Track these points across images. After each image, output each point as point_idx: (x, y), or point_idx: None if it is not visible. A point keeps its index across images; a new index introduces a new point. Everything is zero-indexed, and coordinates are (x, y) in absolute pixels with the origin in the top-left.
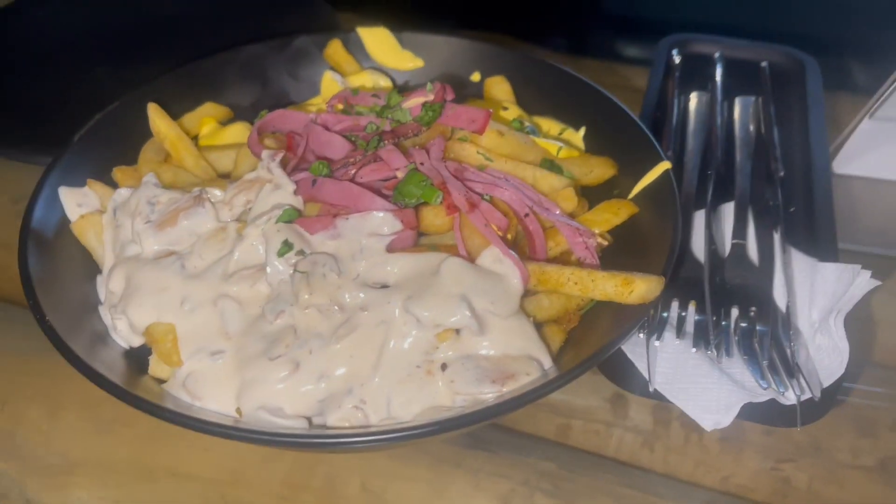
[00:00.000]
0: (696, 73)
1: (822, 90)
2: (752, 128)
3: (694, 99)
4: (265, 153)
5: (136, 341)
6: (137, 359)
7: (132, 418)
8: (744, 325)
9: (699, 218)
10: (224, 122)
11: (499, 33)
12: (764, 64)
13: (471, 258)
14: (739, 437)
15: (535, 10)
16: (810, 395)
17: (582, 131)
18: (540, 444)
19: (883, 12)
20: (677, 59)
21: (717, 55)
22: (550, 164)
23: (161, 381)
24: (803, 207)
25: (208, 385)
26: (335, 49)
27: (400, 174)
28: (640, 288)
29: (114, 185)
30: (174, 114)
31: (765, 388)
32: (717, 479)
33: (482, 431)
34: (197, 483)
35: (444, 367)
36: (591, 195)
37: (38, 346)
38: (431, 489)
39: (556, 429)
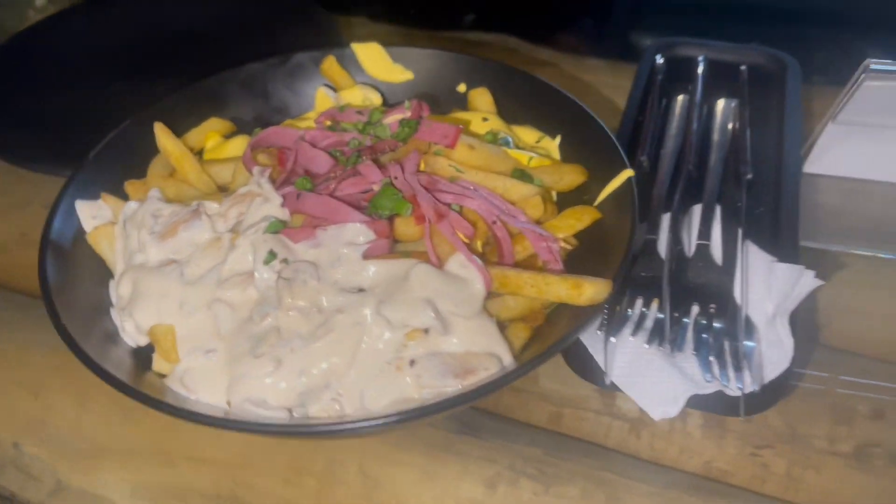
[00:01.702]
0: (680, 76)
1: (800, 92)
2: (728, 130)
3: (676, 101)
4: (256, 169)
5: (143, 340)
6: (144, 356)
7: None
8: (703, 321)
9: (668, 220)
10: (228, 136)
11: (506, 34)
12: (743, 67)
13: (440, 264)
14: (721, 425)
15: (539, 11)
16: (753, 388)
17: (558, 139)
18: (528, 430)
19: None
20: (661, 63)
21: (700, 58)
22: (521, 174)
23: (163, 376)
24: (771, 206)
25: (202, 380)
26: (330, 65)
27: (376, 187)
28: (588, 291)
29: (126, 198)
30: (181, 129)
31: (709, 381)
32: (699, 464)
33: (473, 418)
34: (210, 467)
35: (412, 363)
36: (565, 200)
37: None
38: (423, 472)
39: (549, 416)
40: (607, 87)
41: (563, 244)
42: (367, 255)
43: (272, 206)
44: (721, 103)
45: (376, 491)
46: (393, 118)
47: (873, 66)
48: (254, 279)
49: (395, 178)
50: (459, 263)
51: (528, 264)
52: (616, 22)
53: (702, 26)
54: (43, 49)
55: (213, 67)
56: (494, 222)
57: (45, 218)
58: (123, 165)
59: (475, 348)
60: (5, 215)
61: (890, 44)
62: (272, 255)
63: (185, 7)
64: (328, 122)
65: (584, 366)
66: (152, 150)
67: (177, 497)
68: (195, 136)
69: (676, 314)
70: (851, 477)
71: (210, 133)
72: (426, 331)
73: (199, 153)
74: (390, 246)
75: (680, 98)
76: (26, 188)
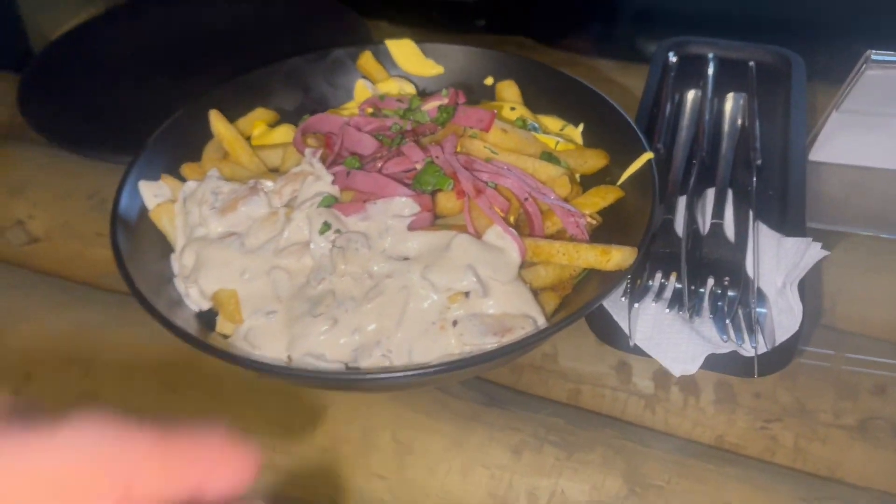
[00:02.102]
0: (691, 72)
1: (805, 86)
2: (738, 122)
3: (688, 96)
4: (308, 151)
5: (206, 305)
6: (207, 319)
7: (197, 380)
8: (717, 291)
9: (683, 202)
10: (272, 125)
11: (521, 36)
12: (751, 63)
13: (478, 235)
14: (732, 400)
15: (553, 15)
16: (765, 349)
17: (580, 127)
18: (550, 404)
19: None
20: (673, 60)
21: (710, 55)
22: (549, 156)
23: (226, 337)
24: (779, 191)
25: (265, 338)
26: (367, 60)
27: (419, 166)
28: (615, 257)
29: (182, 179)
30: (229, 118)
31: (725, 341)
32: (712, 438)
33: (498, 393)
34: (252, 436)
35: (455, 323)
36: (588, 182)
37: (116, 321)
38: (452, 440)
39: (567, 393)
40: (619, 86)
41: (588, 220)
42: (412, 227)
43: (323, 183)
44: (731, 97)
45: (409, 456)
46: (431, 105)
47: (874, 57)
48: (309, 249)
49: (437, 157)
50: (496, 234)
51: (556, 238)
52: (625, 25)
53: (707, 32)
54: (88, 47)
55: (248, 65)
56: (527, 199)
57: (86, 209)
58: (178, 150)
59: (512, 310)
60: (49, 206)
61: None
62: (327, 226)
63: (219, 9)
64: (370, 110)
65: (609, 332)
66: (204, 136)
67: None
68: (243, 124)
69: (693, 287)
70: (855, 447)
71: (257, 122)
72: (467, 294)
73: (246, 140)
74: (433, 219)
75: (691, 93)
76: (69, 180)
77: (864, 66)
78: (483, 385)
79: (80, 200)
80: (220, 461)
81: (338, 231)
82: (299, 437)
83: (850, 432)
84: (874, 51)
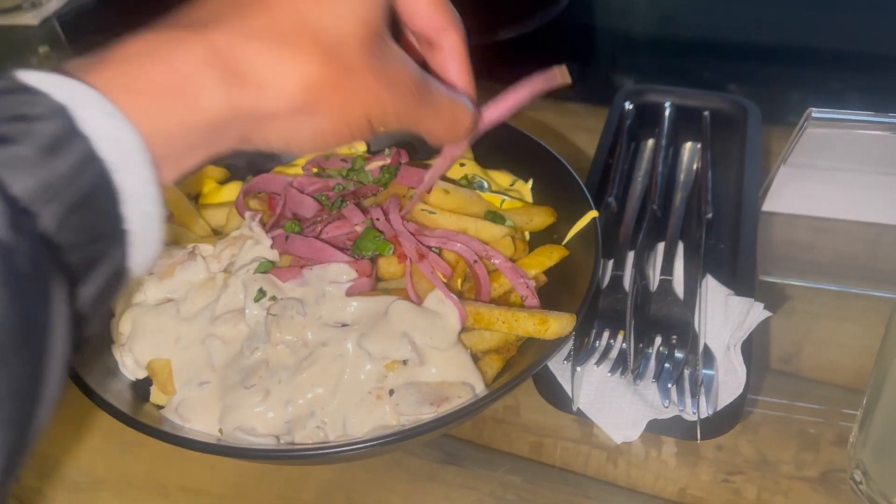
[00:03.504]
0: (648, 120)
1: (760, 135)
2: (693, 171)
3: (645, 145)
4: (248, 214)
5: (141, 374)
6: (142, 389)
7: (148, 440)
8: (664, 351)
9: (633, 257)
10: (222, 182)
11: (484, 81)
12: (706, 112)
13: (419, 300)
14: (694, 453)
15: (517, 59)
16: (708, 413)
17: (530, 183)
18: (510, 459)
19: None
20: (629, 108)
21: (667, 104)
22: (493, 216)
23: (160, 408)
24: (731, 244)
25: (197, 410)
26: None
27: (359, 229)
28: (553, 326)
29: None
30: None
31: (666, 406)
32: (674, 491)
33: (457, 449)
34: (205, 498)
35: (391, 392)
36: (536, 238)
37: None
38: (408, 500)
39: (530, 446)
40: (586, 130)
41: (534, 280)
42: (349, 293)
43: (262, 247)
44: (687, 146)
45: None
46: (374, 165)
47: (815, 115)
48: (244, 316)
49: (378, 219)
50: (437, 299)
51: (505, 300)
52: (594, 67)
53: (678, 69)
54: None
55: None
56: (475, 262)
57: None
58: None
59: (450, 378)
60: None
61: (851, 85)
62: (262, 293)
63: None
64: (314, 170)
65: (554, 394)
66: None
67: None
68: (192, 182)
69: (640, 345)
70: (818, 501)
71: (206, 179)
72: (405, 362)
73: (195, 197)
74: (372, 284)
75: (649, 142)
76: None
77: (806, 123)
78: (442, 441)
79: None
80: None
81: (273, 298)
82: (252, 499)
83: (812, 484)
84: (815, 109)
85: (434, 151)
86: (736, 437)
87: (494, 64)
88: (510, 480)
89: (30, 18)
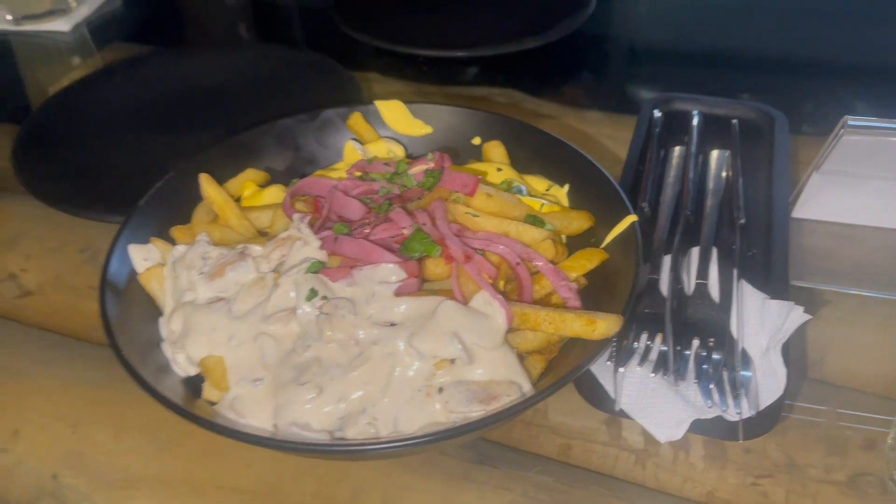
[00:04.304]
0: (677, 128)
1: (788, 143)
2: (723, 178)
3: (673, 152)
4: (296, 216)
5: (192, 371)
6: (194, 385)
7: (185, 439)
8: (702, 353)
9: (668, 261)
10: (263, 185)
11: (509, 89)
12: (734, 120)
13: (465, 301)
14: (722, 456)
15: (542, 68)
16: (750, 414)
17: (566, 188)
18: (540, 461)
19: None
20: (658, 116)
21: (695, 112)
22: (533, 219)
23: (213, 404)
24: (763, 249)
25: (251, 406)
26: (356, 120)
27: (406, 231)
28: (601, 327)
29: (172, 242)
30: (220, 179)
31: (710, 407)
32: (702, 494)
33: (489, 450)
34: (240, 495)
35: (440, 390)
36: (573, 243)
37: (104, 377)
38: (443, 499)
39: (558, 449)
40: (608, 138)
41: (575, 283)
42: (398, 293)
43: (311, 248)
44: (715, 154)
45: None
46: (418, 169)
47: (850, 122)
48: (295, 315)
49: (423, 224)
50: (484, 301)
51: (546, 302)
52: (614, 76)
53: (695, 79)
54: (82, 105)
55: (241, 121)
56: (518, 264)
57: (78, 262)
58: (169, 212)
59: (497, 377)
60: (41, 259)
61: (874, 94)
62: (313, 292)
63: (214, 64)
64: (358, 173)
65: (595, 395)
66: (194, 197)
67: None
68: (233, 184)
69: (678, 347)
70: (846, 503)
71: (247, 182)
72: (452, 361)
73: (236, 200)
74: (419, 285)
75: (677, 149)
76: (62, 233)
77: (842, 130)
78: (476, 442)
79: (73, 254)
80: None
81: (324, 297)
82: (288, 497)
83: (840, 488)
84: (850, 116)
85: (475, 155)
86: (764, 440)
87: (519, 72)
88: (542, 481)
89: (61, 24)
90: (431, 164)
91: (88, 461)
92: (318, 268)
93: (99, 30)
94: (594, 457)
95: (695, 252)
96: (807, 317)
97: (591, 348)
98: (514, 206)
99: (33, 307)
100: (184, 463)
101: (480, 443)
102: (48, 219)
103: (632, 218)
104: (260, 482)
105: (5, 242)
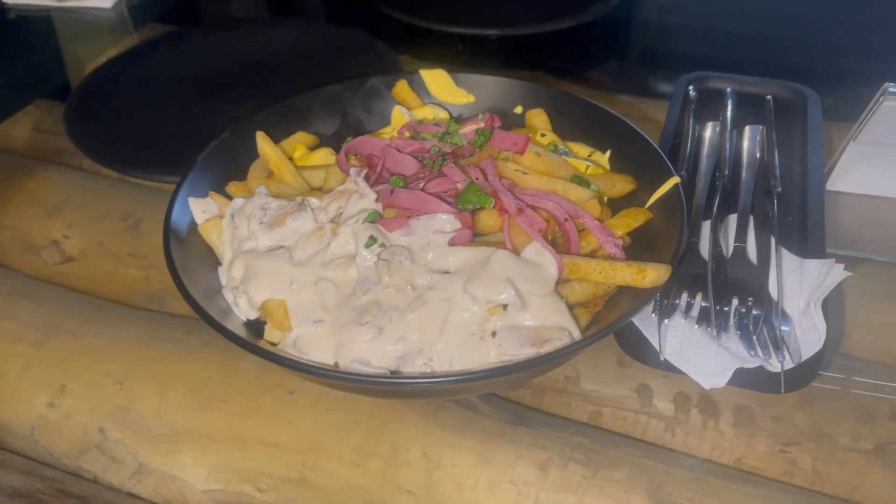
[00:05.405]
0: (710, 105)
1: (821, 119)
2: (757, 152)
3: (707, 128)
4: (353, 170)
5: (253, 315)
6: (255, 328)
7: (229, 395)
8: (742, 310)
9: (707, 227)
10: (311, 148)
11: (538, 71)
12: (769, 97)
13: (516, 252)
14: (751, 423)
15: (570, 51)
16: (791, 364)
17: (608, 154)
18: (574, 424)
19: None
20: (693, 94)
21: (728, 90)
22: (579, 180)
23: (274, 344)
24: (798, 218)
25: (313, 345)
26: (402, 88)
27: (460, 185)
28: (651, 275)
29: (228, 197)
30: (272, 140)
31: (752, 356)
32: (731, 460)
33: (523, 412)
34: (282, 450)
35: (494, 334)
36: (614, 206)
37: (149, 336)
38: (479, 457)
39: (589, 415)
40: (634, 119)
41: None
42: (452, 242)
43: (368, 200)
44: (748, 130)
45: (437, 472)
46: (469, 128)
47: (892, 89)
48: (354, 262)
49: (476, 178)
50: (535, 251)
51: (592, 257)
52: (639, 61)
53: (728, 62)
54: (131, 74)
55: (283, 92)
56: (566, 220)
57: (119, 230)
58: (224, 169)
59: (548, 322)
60: (84, 227)
61: None
62: (372, 239)
63: (256, 39)
64: (408, 134)
65: (638, 348)
66: (248, 157)
67: (249, 479)
68: (284, 146)
69: (718, 306)
70: (873, 471)
71: (297, 145)
72: (505, 307)
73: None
74: (472, 236)
75: (710, 125)
76: (104, 202)
77: (882, 98)
78: (509, 405)
79: (114, 222)
80: None
81: (382, 245)
82: (329, 453)
83: (868, 456)
84: (892, 83)
85: (518, 123)
86: (792, 408)
87: (548, 56)
88: (578, 441)
89: (103, 1)
90: (482, 124)
91: (134, 416)
92: (375, 217)
93: (137, 9)
94: (625, 423)
95: (732, 218)
96: (847, 273)
97: (637, 300)
98: (562, 167)
99: (75, 273)
100: (227, 419)
101: (515, 406)
102: (90, 188)
103: (675, 179)
104: (302, 438)
105: (48, 210)
